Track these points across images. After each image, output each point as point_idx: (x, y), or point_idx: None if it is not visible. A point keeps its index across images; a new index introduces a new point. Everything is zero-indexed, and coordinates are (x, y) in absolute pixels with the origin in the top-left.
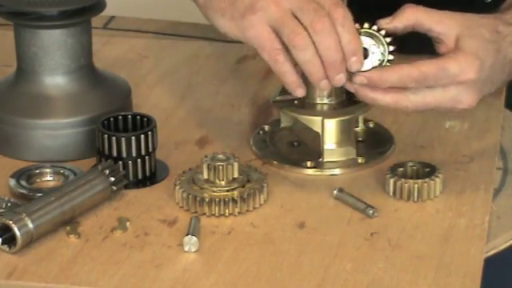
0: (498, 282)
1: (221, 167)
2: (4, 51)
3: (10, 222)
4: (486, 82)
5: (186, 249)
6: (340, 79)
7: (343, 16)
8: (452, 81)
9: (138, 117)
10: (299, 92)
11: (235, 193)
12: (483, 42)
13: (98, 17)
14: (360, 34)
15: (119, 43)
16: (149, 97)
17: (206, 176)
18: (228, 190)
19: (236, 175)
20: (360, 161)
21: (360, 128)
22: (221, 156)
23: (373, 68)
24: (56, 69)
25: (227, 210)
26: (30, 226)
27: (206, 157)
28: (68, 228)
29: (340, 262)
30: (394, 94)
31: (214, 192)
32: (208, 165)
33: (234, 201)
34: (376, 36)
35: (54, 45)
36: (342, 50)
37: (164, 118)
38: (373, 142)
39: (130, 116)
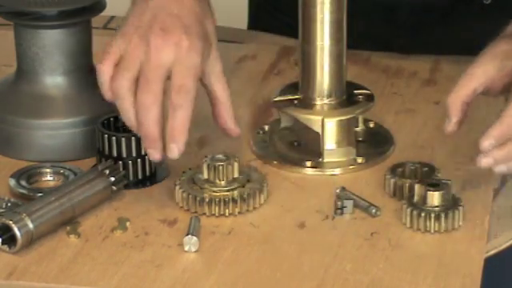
0: (498, 282)
1: (221, 167)
2: (4, 51)
3: (10, 222)
4: None
5: (186, 249)
6: (152, 155)
7: (182, 102)
8: None
9: None
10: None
11: (235, 193)
12: None
13: (98, 17)
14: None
15: None
16: None
17: (206, 176)
18: (228, 190)
19: (236, 175)
20: (360, 161)
21: (360, 128)
22: (221, 156)
23: None
24: (56, 69)
25: (227, 210)
26: (30, 226)
27: (206, 157)
28: (68, 228)
29: (340, 262)
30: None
31: (214, 192)
32: (208, 165)
33: (234, 201)
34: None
35: (54, 45)
36: (158, 128)
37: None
38: (373, 142)
39: None
